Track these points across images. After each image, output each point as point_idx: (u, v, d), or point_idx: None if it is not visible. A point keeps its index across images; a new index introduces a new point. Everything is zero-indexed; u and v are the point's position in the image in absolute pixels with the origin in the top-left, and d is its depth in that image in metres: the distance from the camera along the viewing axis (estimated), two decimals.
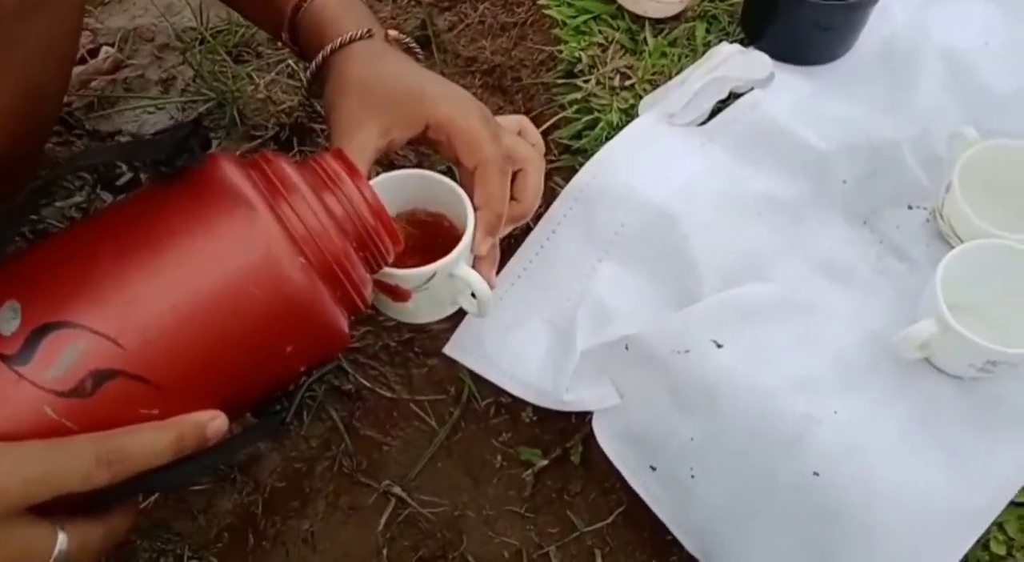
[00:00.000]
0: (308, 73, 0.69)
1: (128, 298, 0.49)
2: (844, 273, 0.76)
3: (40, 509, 0.46)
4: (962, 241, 0.72)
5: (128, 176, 1.02)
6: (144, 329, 0.49)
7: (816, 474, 0.65)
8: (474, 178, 0.64)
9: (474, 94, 0.68)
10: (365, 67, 0.66)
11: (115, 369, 0.48)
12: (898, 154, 0.78)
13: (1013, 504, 0.67)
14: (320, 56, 0.67)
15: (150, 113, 1.10)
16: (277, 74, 1.08)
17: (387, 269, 0.61)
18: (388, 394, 0.88)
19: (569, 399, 0.72)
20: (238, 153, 1.03)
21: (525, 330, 0.76)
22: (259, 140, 1.03)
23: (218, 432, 0.51)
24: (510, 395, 0.83)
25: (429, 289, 0.64)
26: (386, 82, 0.65)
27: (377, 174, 0.68)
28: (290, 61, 1.07)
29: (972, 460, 0.66)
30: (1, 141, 0.59)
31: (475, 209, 0.64)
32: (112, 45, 1.15)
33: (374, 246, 0.57)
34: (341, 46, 0.66)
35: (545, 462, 0.82)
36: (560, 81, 0.90)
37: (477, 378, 0.83)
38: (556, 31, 0.92)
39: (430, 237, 0.68)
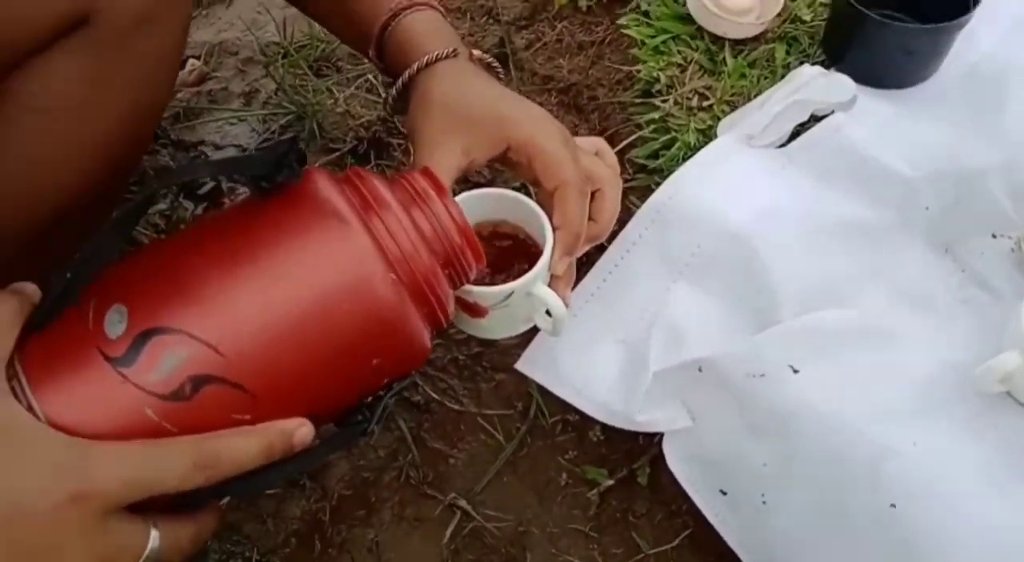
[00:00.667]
0: (393, 91, 0.70)
1: (228, 308, 0.51)
2: (925, 301, 0.75)
3: (134, 507, 0.48)
4: None
5: (210, 185, 1.06)
6: (242, 338, 0.50)
7: (893, 506, 0.63)
8: (553, 199, 0.65)
9: (550, 112, 0.68)
10: (449, 87, 0.67)
11: (214, 375, 0.50)
12: (983, 182, 0.77)
13: None
14: (406, 74, 0.68)
15: (232, 125, 1.13)
16: (356, 89, 1.10)
17: (467, 286, 0.62)
18: (456, 407, 0.89)
19: (641, 420, 0.72)
20: (317, 165, 1.05)
21: (598, 349, 0.76)
22: (337, 153, 1.05)
23: (304, 440, 0.52)
24: (578, 412, 0.84)
25: (507, 307, 0.65)
26: (469, 103, 0.66)
27: (456, 192, 0.69)
28: (370, 76, 1.09)
29: None
30: (107, 151, 0.62)
31: (553, 229, 0.65)
32: (198, 58, 1.18)
33: (459, 264, 0.58)
34: (427, 65, 0.68)
35: (611, 482, 0.82)
36: (637, 100, 0.91)
37: (545, 394, 0.83)
38: (634, 51, 0.93)
39: (508, 255, 0.69)
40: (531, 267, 0.64)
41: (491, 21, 1.11)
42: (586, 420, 0.85)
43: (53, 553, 0.46)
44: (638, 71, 0.91)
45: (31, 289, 0.53)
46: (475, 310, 0.66)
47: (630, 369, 0.74)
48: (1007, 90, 0.83)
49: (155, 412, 0.49)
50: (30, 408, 0.48)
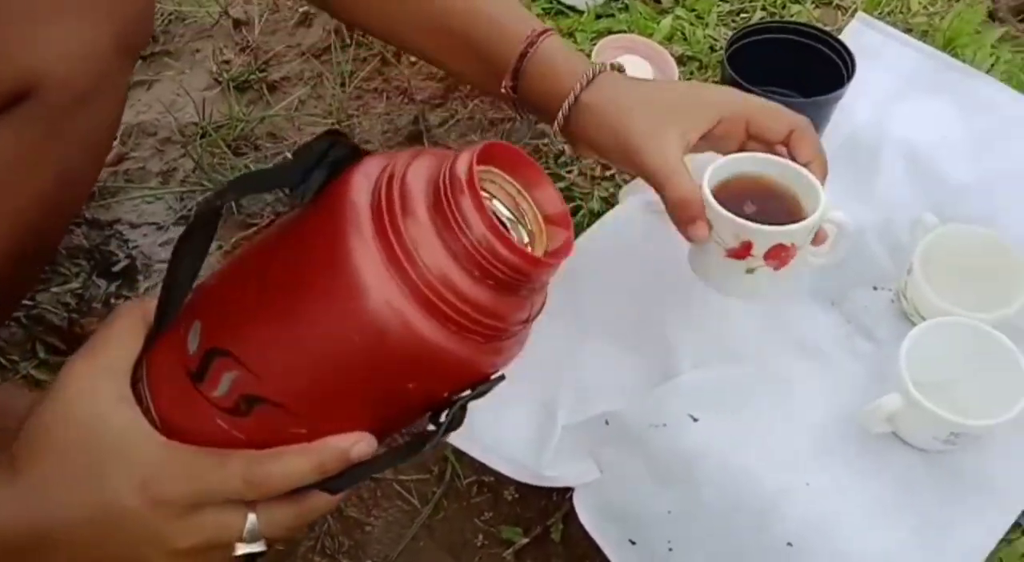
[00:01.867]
0: (565, 107, 0.71)
1: (264, 333, 0.51)
2: (816, 353, 0.79)
3: None
4: (924, 319, 0.75)
5: (124, 263, 1.06)
6: (276, 364, 0.51)
7: (790, 544, 0.66)
8: (792, 141, 0.70)
9: None
10: (631, 89, 0.71)
11: (259, 396, 0.51)
12: (863, 240, 0.82)
13: None
14: (572, 96, 0.70)
15: (148, 203, 1.14)
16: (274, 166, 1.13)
17: (773, 228, 0.66)
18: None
19: (550, 475, 0.73)
20: (233, 241, 1.07)
21: (508, 408, 0.78)
22: (255, 228, 1.07)
23: (363, 454, 0.51)
24: (493, 473, 0.85)
25: (802, 247, 0.68)
26: (664, 96, 0.71)
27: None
28: (287, 153, 1.12)
29: (940, 531, 0.68)
30: (33, 224, 0.62)
31: (806, 164, 0.70)
32: (116, 139, 1.20)
33: (510, 272, 0.49)
34: (588, 82, 0.70)
35: (526, 540, 0.82)
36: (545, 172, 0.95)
37: (460, 456, 0.84)
38: (541, 126, 0.98)
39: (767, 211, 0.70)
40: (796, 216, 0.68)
41: (406, 101, 1.16)
42: (501, 480, 0.86)
43: (158, 538, 0.51)
44: (546, 144, 0.95)
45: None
46: (784, 257, 0.68)
47: (540, 426, 0.75)
48: (882, 157, 0.90)
49: (225, 423, 0.51)
50: (148, 410, 0.52)
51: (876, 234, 0.84)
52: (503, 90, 0.74)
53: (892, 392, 0.71)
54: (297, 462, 0.51)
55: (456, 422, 0.53)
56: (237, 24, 1.32)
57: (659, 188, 0.68)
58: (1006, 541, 0.70)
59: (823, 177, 0.70)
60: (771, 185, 0.71)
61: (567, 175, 0.92)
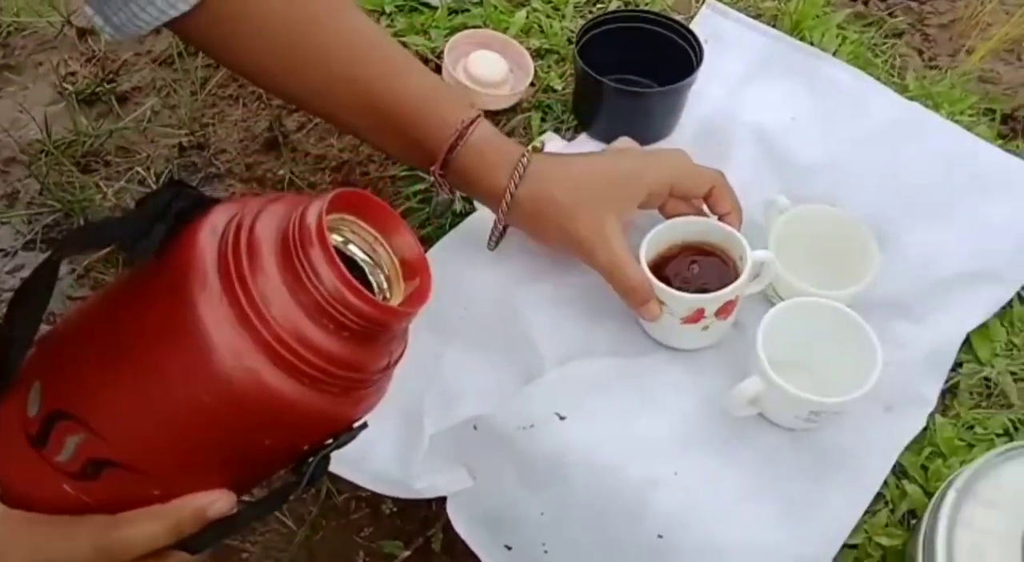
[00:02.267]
0: (504, 206, 0.75)
1: (111, 395, 0.49)
2: None
3: None
4: (783, 300, 0.77)
5: None
6: (121, 425, 0.49)
7: (660, 537, 0.66)
8: (712, 197, 0.78)
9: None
10: (563, 179, 0.75)
11: (107, 459, 0.49)
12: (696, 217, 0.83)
13: (846, 546, 0.70)
14: (512, 183, 0.74)
15: None
16: (127, 182, 1.08)
17: (721, 292, 0.74)
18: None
19: (420, 486, 0.72)
20: (85, 264, 1.02)
21: (373, 422, 0.75)
22: (108, 249, 1.02)
23: (222, 512, 0.50)
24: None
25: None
26: (594, 184, 0.76)
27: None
28: (138, 168, 1.07)
29: (806, 508, 0.69)
30: None
31: (722, 217, 0.79)
32: None
33: (364, 323, 0.48)
34: (521, 179, 0.74)
35: (407, 553, 0.81)
36: (403, 174, 0.93)
37: (334, 473, 0.82)
38: None
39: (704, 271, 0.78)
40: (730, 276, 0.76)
41: (262, 106, 1.12)
42: (378, 494, 0.84)
43: None
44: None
45: None
46: (729, 308, 0.76)
47: (407, 438, 0.74)
48: (733, 140, 0.91)
49: (72, 488, 0.49)
50: None
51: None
52: (432, 174, 0.76)
53: (752, 374, 0.71)
54: (151, 526, 0.49)
55: (319, 472, 0.52)
56: (82, 34, 1.25)
57: (609, 278, 0.74)
58: (870, 512, 0.72)
59: (740, 224, 0.79)
60: (700, 244, 0.79)
61: (426, 175, 0.90)
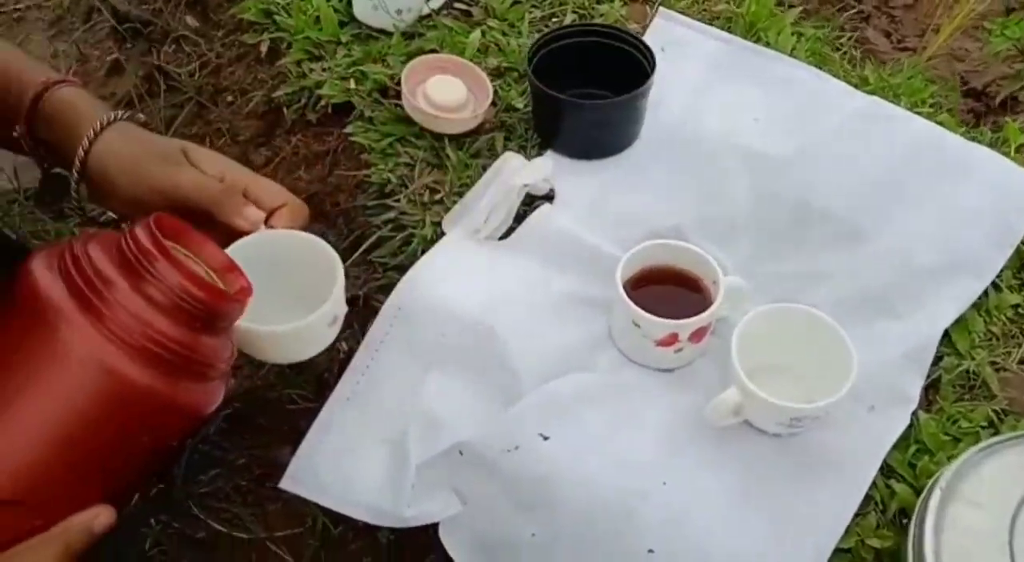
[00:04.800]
0: (81, 152, 0.69)
1: None
2: None
3: None
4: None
5: None
6: (5, 461, 0.51)
7: (651, 551, 0.67)
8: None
9: None
10: (135, 134, 0.72)
11: None
12: (685, 237, 0.84)
13: (838, 550, 0.70)
14: (87, 140, 0.69)
15: None
16: (102, 226, 1.08)
17: (694, 319, 0.74)
18: (244, 535, 0.86)
19: (411, 514, 0.73)
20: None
21: (360, 452, 0.77)
22: None
23: (106, 524, 0.53)
24: None
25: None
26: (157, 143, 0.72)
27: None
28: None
29: (796, 516, 0.70)
30: None
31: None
32: None
33: (208, 315, 0.58)
34: (102, 129, 0.69)
35: None
36: (372, 202, 0.94)
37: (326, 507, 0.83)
38: (364, 155, 0.96)
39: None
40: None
41: (230, 142, 1.12)
42: (373, 524, 0.85)
43: None
44: (369, 175, 0.94)
45: None
46: (702, 333, 0.76)
47: (394, 467, 0.75)
48: (699, 145, 0.92)
49: None
50: None
51: (699, 227, 0.85)
52: (15, 135, 0.73)
53: (733, 385, 0.72)
54: (44, 552, 0.52)
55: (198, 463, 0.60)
56: None
57: (200, 196, 0.68)
58: (860, 515, 0.72)
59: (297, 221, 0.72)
60: (674, 269, 0.80)
61: (395, 203, 0.91)
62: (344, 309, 0.68)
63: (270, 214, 0.69)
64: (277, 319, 0.65)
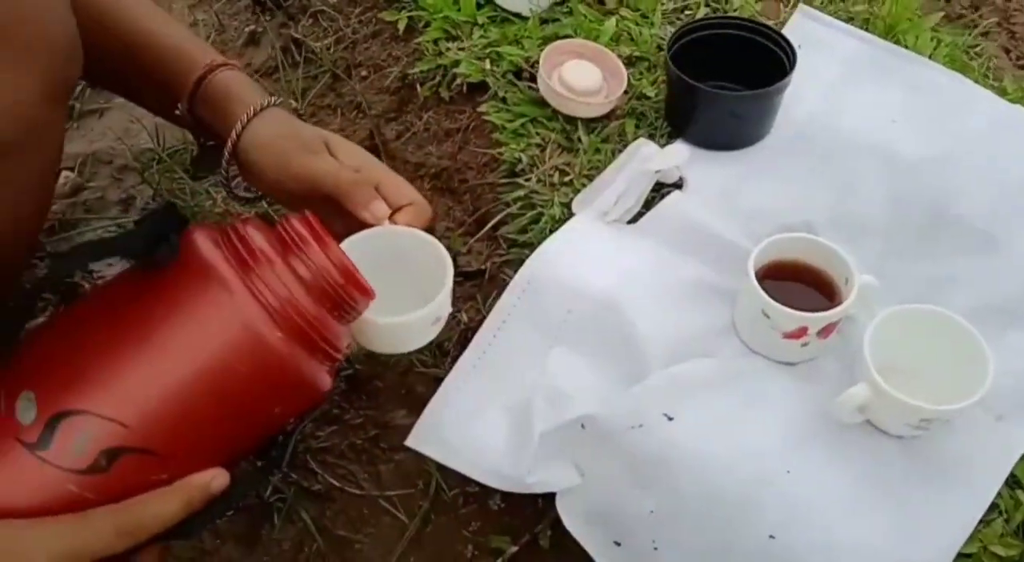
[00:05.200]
0: (234, 135, 0.73)
1: (127, 384, 0.55)
2: None
3: None
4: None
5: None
6: (143, 409, 0.54)
7: (772, 537, 0.68)
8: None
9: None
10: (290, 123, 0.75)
11: (123, 446, 0.54)
12: (818, 232, 0.84)
13: (960, 555, 0.70)
14: (240, 124, 0.73)
15: (110, 232, 1.14)
16: (243, 202, 1.13)
17: (827, 313, 0.74)
18: (357, 492, 0.90)
19: (532, 481, 0.75)
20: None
21: (485, 419, 0.79)
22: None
23: (221, 488, 0.57)
24: (478, 484, 0.86)
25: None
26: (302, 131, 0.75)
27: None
28: None
29: (919, 517, 0.69)
30: None
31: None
32: (72, 169, 1.19)
33: (345, 302, 0.62)
34: (256, 114, 0.73)
35: (515, 548, 0.84)
36: (503, 180, 0.96)
37: (444, 469, 0.85)
38: (496, 135, 0.98)
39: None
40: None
41: (361, 115, 1.16)
42: (486, 490, 0.87)
43: None
44: (501, 153, 0.96)
45: None
46: (831, 329, 0.76)
47: (517, 434, 0.77)
48: (832, 143, 0.92)
49: (77, 486, 0.53)
50: None
51: (831, 224, 0.85)
52: (179, 113, 0.77)
53: (861, 381, 0.72)
54: (166, 503, 0.55)
55: (285, 453, 0.62)
56: None
57: (336, 183, 0.70)
58: (984, 522, 0.72)
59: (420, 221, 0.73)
60: (806, 263, 0.80)
61: (525, 183, 0.93)
62: (448, 310, 0.70)
63: (395, 211, 0.72)
64: (384, 311, 0.67)
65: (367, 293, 0.62)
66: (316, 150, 0.73)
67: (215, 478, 0.57)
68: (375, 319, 0.66)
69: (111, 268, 1.10)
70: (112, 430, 0.54)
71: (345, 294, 0.61)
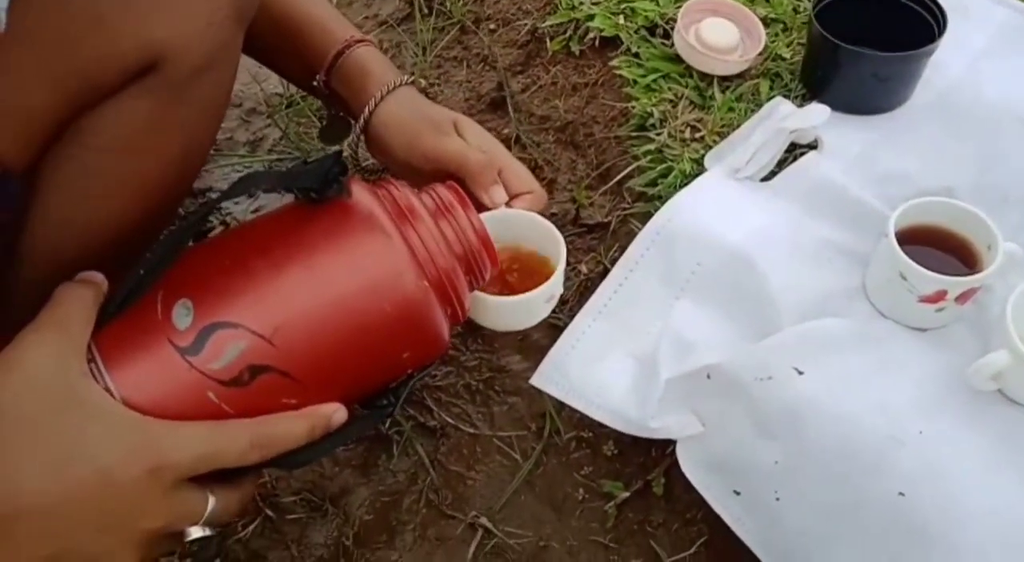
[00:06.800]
0: (367, 112, 0.77)
1: (283, 306, 0.57)
2: None
3: (194, 477, 0.55)
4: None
5: (219, 230, 1.09)
6: (294, 333, 0.57)
7: (902, 494, 0.67)
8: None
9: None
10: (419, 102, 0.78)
11: (268, 365, 0.57)
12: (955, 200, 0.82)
13: None
14: (373, 101, 0.76)
15: (238, 171, 1.18)
16: (366, 174, 1.15)
17: (968, 278, 0.73)
18: (471, 430, 0.92)
19: (655, 426, 0.75)
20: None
21: (609, 362, 0.80)
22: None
23: (339, 422, 0.60)
24: (591, 429, 0.87)
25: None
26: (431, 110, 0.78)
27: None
28: None
29: None
30: (156, 191, 0.66)
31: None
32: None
33: (478, 267, 0.66)
34: (389, 92, 0.76)
35: (627, 494, 0.85)
36: (633, 134, 0.96)
37: (559, 413, 0.87)
38: (627, 89, 0.99)
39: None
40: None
41: (487, 68, 1.17)
42: (599, 436, 0.88)
43: (135, 515, 0.53)
44: (632, 107, 0.96)
45: (100, 278, 0.59)
46: (970, 295, 0.75)
47: (642, 378, 0.77)
48: (974, 113, 0.90)
49: (216, 396, 0.56)
50: (107, 389, 0.54)
51: (972, 192, 0.84)
52: (315, 84, 0.81)
53: (998, 348, 0.71)
54: (296, 425, 0.57)
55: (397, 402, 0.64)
56: None
57: (461, 163, 0.72)
58: None
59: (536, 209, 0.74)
60: (948, 228, 0.78)
61: (656, 137, 0.93)
62: (560, 290, 0.73)
63: (513, 197, 0.74)
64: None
65: (495, 262, 0.66)
66: (446, 131, 0.75)
67: (336, 412, 0.59)
68: (495, 298, 0.69)
69: (237, 205, 1.15)
70: (262, 348, 0.56)
71: (480, 259, 0.65)
